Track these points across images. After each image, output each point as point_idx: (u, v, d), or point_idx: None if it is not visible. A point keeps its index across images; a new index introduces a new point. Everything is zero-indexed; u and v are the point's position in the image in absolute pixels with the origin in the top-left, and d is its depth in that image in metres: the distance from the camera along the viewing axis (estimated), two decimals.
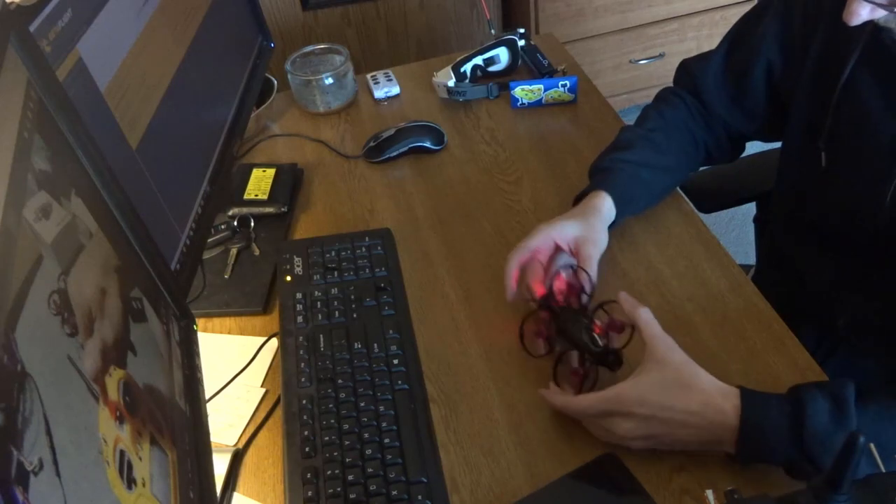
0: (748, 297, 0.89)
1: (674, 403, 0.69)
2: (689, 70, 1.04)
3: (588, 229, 0.88)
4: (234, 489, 0.78)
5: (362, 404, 0.79)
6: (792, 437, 0.66)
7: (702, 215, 1.09)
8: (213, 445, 0.71)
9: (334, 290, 0.92)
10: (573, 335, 0.79)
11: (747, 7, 0.98)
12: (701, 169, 1.08)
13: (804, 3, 0.88)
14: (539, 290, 0.85)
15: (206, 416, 0.72)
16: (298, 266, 0.95)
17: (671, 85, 1.07)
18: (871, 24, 0.77)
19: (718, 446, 0.70)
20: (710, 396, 0.68)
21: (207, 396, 0.81)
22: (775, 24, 0.92)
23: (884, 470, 0.55)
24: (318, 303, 0.90)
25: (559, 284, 0.85)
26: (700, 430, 0.69)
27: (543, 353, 0.84)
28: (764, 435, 0.67)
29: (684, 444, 0.71)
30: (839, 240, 0.90)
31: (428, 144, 1.18)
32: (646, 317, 0.74)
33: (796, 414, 0.66)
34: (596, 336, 0.78)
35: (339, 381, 0.81)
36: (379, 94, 1.33)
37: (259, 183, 1.12)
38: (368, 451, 0.75)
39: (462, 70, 1.28)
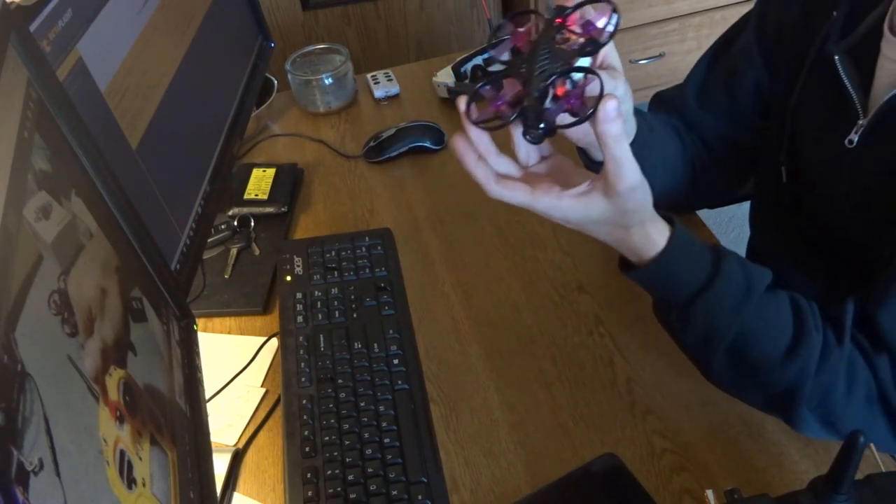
0: None
1: (605, 230, 0.65)
2: (664, 98, 0.99)
3: None
4: (234, 489, 0.78)
5: (362, 404, 0.79)
6: (692, 295, 0.66)
7: (702, 215, 1.09)
8: (213, 445, 0.71)
9: (334, 290, 0.92)
10: (530, 66, 0.57)
11: (747, 7, 0.97)
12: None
13: (775, 21, 0.86)
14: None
15: (206, 416, 0.72)
16: (298, 266, 0.95)
17: (671, 85, 1.06)
18: (822, 36, 0.77)
19: (618, 247, 0.67)
20: (641, 235, 0.65)
21: (207, 396, 0.81)
22: (755, 38, 0.89)
23: (883, 469, 0.55)
24: (318, 303, 0.90)
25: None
26: (615, 242, 0.66)
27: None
28: (671, 278, 0.67)
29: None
30: (807, 250, 0.90)
31: (428, 144, 1.18)
32: (614, 130, 0.55)
33: (709, 281, 0.66)
34: (550, 91, 0.57)
35: (339, 381, 0.81)
36: (379, 94, 1.33)
37: (259, 183, 1.12)
38: (368, 451, 0.75)
39: (462, 70, 1.28)
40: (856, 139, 0.74)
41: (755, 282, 0.68)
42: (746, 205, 1.26)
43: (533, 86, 0.57)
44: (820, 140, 0.81)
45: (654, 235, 0.65)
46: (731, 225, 2.16)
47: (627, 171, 0.57)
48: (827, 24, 0.77)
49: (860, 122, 0.74)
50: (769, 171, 0.91)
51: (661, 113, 0.98)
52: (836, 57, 0.74)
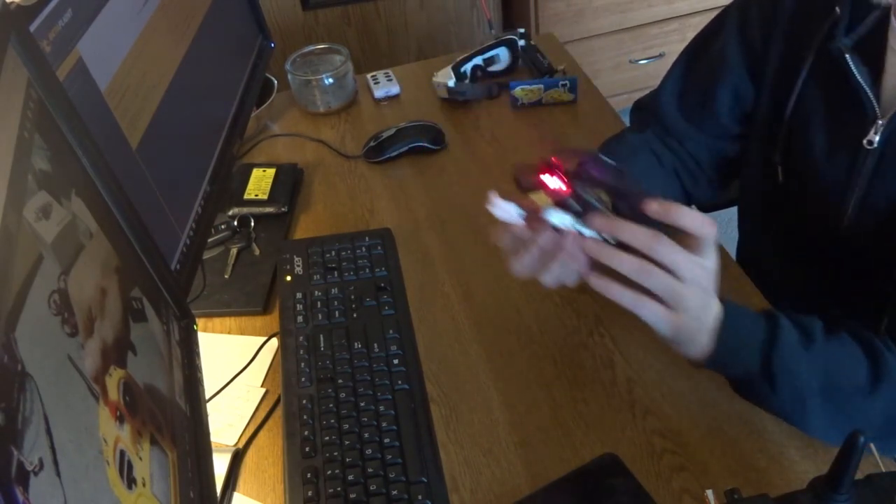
0: (748, 296, 0.89)
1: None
2: (642, 106, 0.99)
3: None
4: (234, 489, 0.78)
5: (362, 404, 0.79)
6: (763, 351, 0.67)
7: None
8: (213, 445, 0.71)
9: (334, 290, 0.92)
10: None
11: None
12: None
13: (760, 19, 0.84)
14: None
15: (206, 416, 0.72)
16: (298, 266, 0.95)
17: None
18: (824, 33, 0.76)
19: (689, 342, 0.67)
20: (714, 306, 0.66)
21: (207, 396, 0.81)
22: (736, 43, 0.87)
23: (883, 469, 0.55)
24: (318, 303, 0.90)
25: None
26: (694, 318, 0.66)
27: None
28: (739, 341, 0.67)
29: (677, 320, 0.65)
30: (806, 250, 0.89)
31: (428, 144, 1.18)
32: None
33: (771, 330, 0.67)
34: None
35: (339, 380, 0.81)
36: (379, 94, 1.33)
37: (259, 183, 1.12)
38: (368, 451, 0.75)
39: (462, 70, 1.28)
40: (877, 139, 0.73)
41: (807, 326, 0.69)
42: None
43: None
44: (830, 140, 0.79)
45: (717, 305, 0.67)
46: (731, 225, 2.15)
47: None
48: (828, 20, 0.76)
49: (879, 122, 0.73)
50: (761, 170, 0.90)
51: (633, 133, 0.96)
52: (847, 55, 0.73)
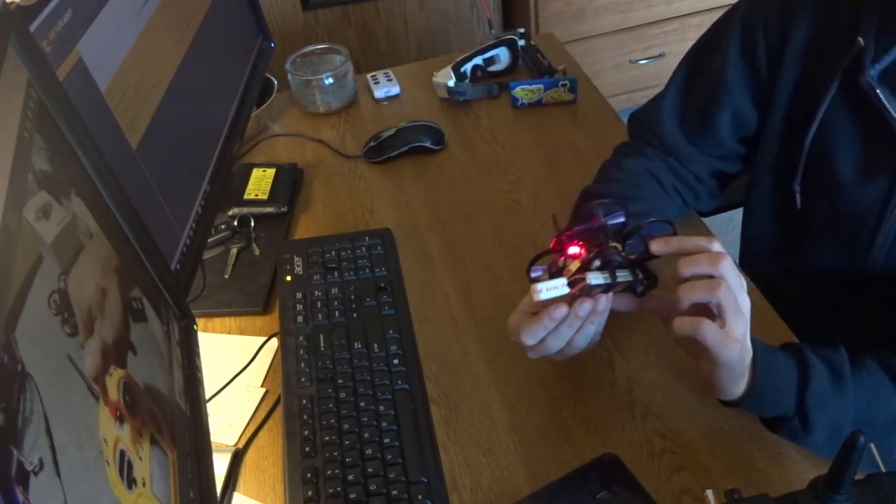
0: (755, 306, 0.89)
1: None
2: (640, 120, 0.98)
3: None
4: (234, 489, 0.78)
5: (362, 404, 0.79)
6: (798, 394, 0.68)
7: (702, 217, 1.09)
8: (213, 445, 0.71)
9: (334, 290, 0.92)
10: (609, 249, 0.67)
11: None
12: None
13: (767, 45, 0.82)
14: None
15: (206, 416, 0.72)
16: (298, 266, 0.95)
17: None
18: (847, 63, 0.75)
19: (739, 376, 0.67)
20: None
21: (207, 396, 0.81)
22: (739, 67, 0.85)
23: (884, 469, 0.55)
24: (318, 303, 0.90)
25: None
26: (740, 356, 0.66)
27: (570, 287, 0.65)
28: (774, 385, 0.68)
29: (721, 361, 0.65)
30: (824, 271, 0.88)
31: (428, 144, 1.18)
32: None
33: (802, 371, 0.68)
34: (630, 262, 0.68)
35: (339, 380, 0.81)
36: (379, 94, 1.33)
37: (259, 183, 1.12)
38: (368, 451, 0.75)
39: (462, 70, 1.28)
40: None
41: (834, 360, 0.69)
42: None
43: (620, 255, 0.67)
44: (861, 169, 0.78)
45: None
46: (731, 225, 2.15)
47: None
48: (850, 50, 0.74)
49: None
50: (773, 194, 0.89)
51: (631, 158, 0.95)
52: (878, 90, 0.72)
